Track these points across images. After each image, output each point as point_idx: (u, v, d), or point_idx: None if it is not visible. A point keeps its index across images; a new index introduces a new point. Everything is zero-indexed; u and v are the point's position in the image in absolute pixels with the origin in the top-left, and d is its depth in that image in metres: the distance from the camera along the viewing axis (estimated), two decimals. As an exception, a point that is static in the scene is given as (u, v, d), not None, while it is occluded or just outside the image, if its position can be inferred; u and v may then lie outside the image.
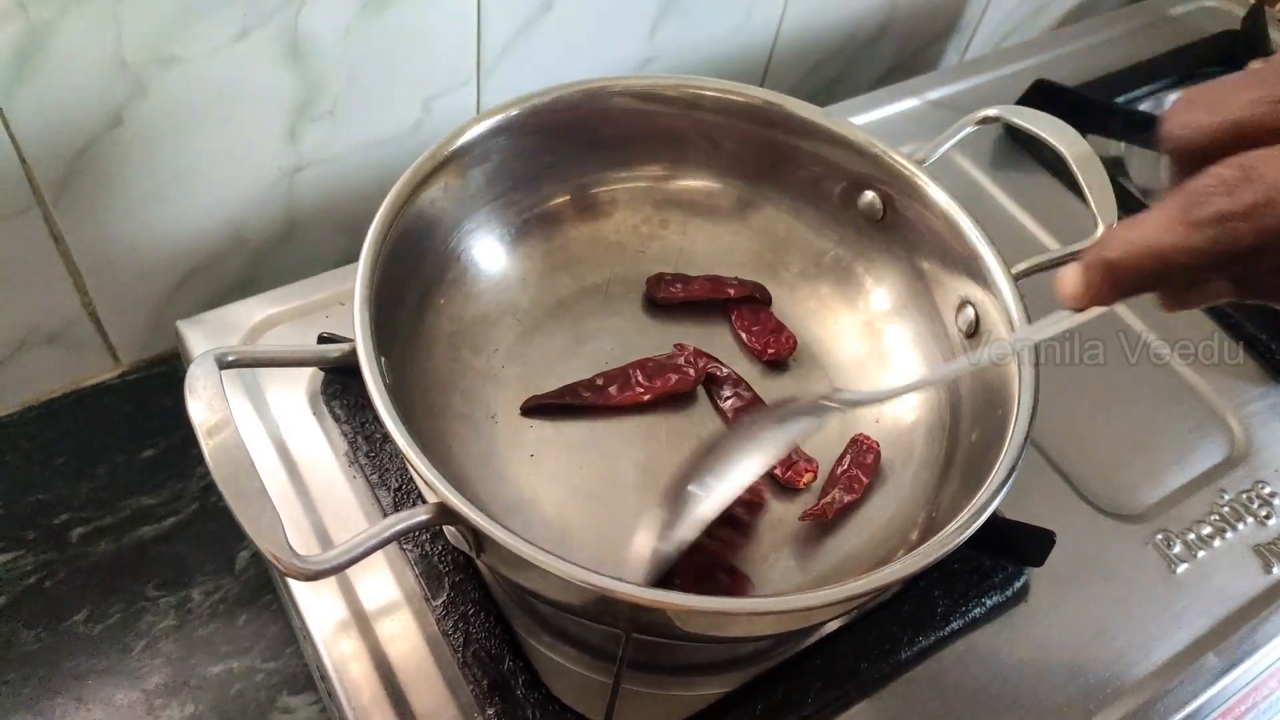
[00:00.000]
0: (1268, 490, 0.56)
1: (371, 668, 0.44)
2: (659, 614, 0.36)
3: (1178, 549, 0.53)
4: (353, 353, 0.40)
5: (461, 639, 0.44)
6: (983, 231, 0.49)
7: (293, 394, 0.52)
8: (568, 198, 0.56)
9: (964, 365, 0.48)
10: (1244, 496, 0.55)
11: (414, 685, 0.43)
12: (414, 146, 0.61)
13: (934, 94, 0.75)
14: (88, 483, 0.57)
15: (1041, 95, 0.72)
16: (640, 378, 0.50)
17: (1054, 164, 0.71)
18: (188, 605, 0.54)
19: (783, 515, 0.49)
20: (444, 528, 0.38)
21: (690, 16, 0.69)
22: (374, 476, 0.49)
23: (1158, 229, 0.29)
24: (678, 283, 0.55)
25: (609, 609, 0.37)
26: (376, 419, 0.38)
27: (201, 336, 0.53)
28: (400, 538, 0.40)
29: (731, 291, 0.55)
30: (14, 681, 0.51)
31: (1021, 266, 0.48)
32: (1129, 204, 0.69)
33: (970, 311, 0.50)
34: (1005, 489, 0.40)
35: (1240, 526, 0.54)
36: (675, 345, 0.53)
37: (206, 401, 0.36)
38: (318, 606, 0.45)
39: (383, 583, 0.46)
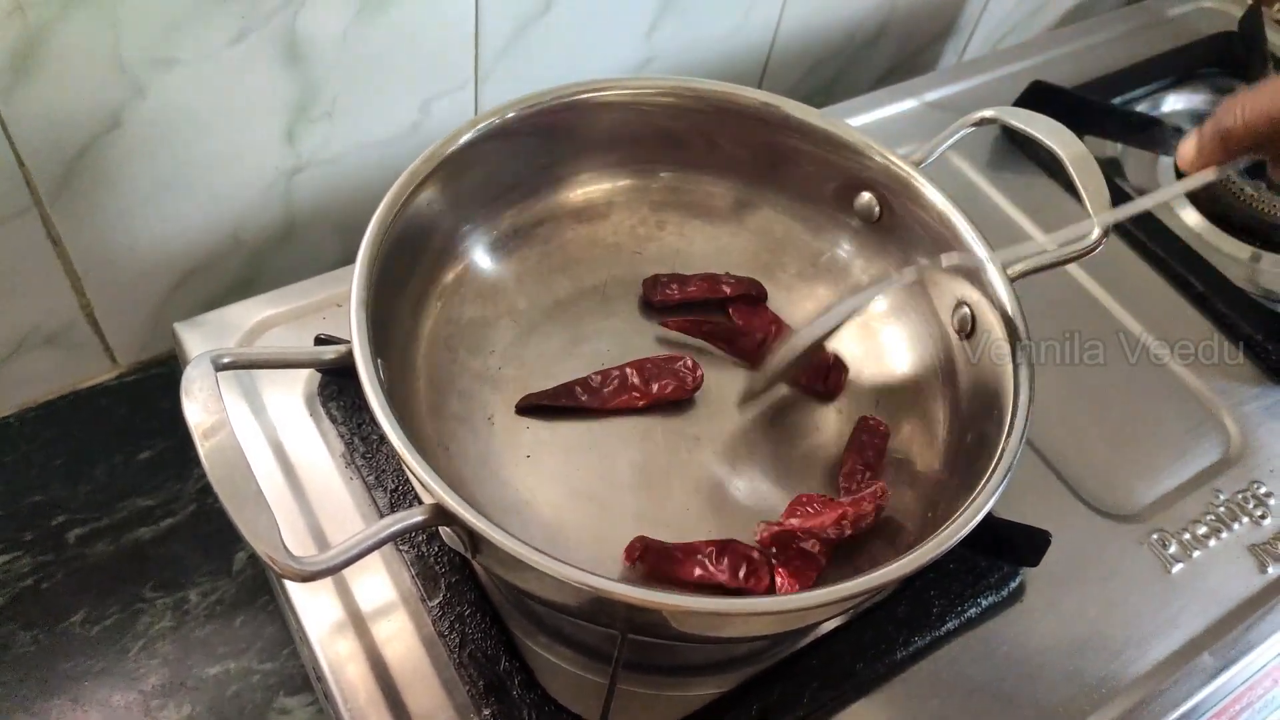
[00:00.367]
0: (1263, 490, 0.56)
1: (368, 668, 0.44)
2: (654, 614, 0.36)
3: (1173, 549, 0.53)
4: (349, 354, 0.40)
5: (457, 640, 0.44)
6: (979, 232, 0.49)
7: (290, 395, 0.52)
8: (565, 199, 0.56)
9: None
10: (1240, 496, 0.56)
11: (410, 686, 0.43)
12: (412, 148, 0.61)
13: (931, 95, 0.75)
14: (85, 484, 0.57)
15: (1038, 96, 0.72)
16: (637, 381, 0.50)
17: (1050, 165, 0.71)
18: (185, 606, 0.54)
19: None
20: (440, 529, 0.38)
21: (688, 17, 0.69)
22: (370, 478, 0.49)
23: (1271, 94, 0.36)
24: (674, 284, 0.55)
25: (604, 610, 0.37)
26: (373, 420, 0.38)
27: (199, 338, 0.53)
28: (396, 539, 0.40)
29: (727, 290, 0.55)
30: (11, 683, 0.51)
31: (1017, 267, 0.48)
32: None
33: (966, 312, 0.50)
34: (1001, 489, 0.40)
35: (1236, 526, 0.54)
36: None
37: (202, 403, 0.36)
38: (314, 608, 0.45)
39: (379, 584, 0.46)
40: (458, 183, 0.50)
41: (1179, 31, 0.85)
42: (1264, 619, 0.51)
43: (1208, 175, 0.43)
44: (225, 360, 0.39)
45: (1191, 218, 0.71)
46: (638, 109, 0.54)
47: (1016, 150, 0.72)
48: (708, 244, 0.58)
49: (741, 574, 0.44)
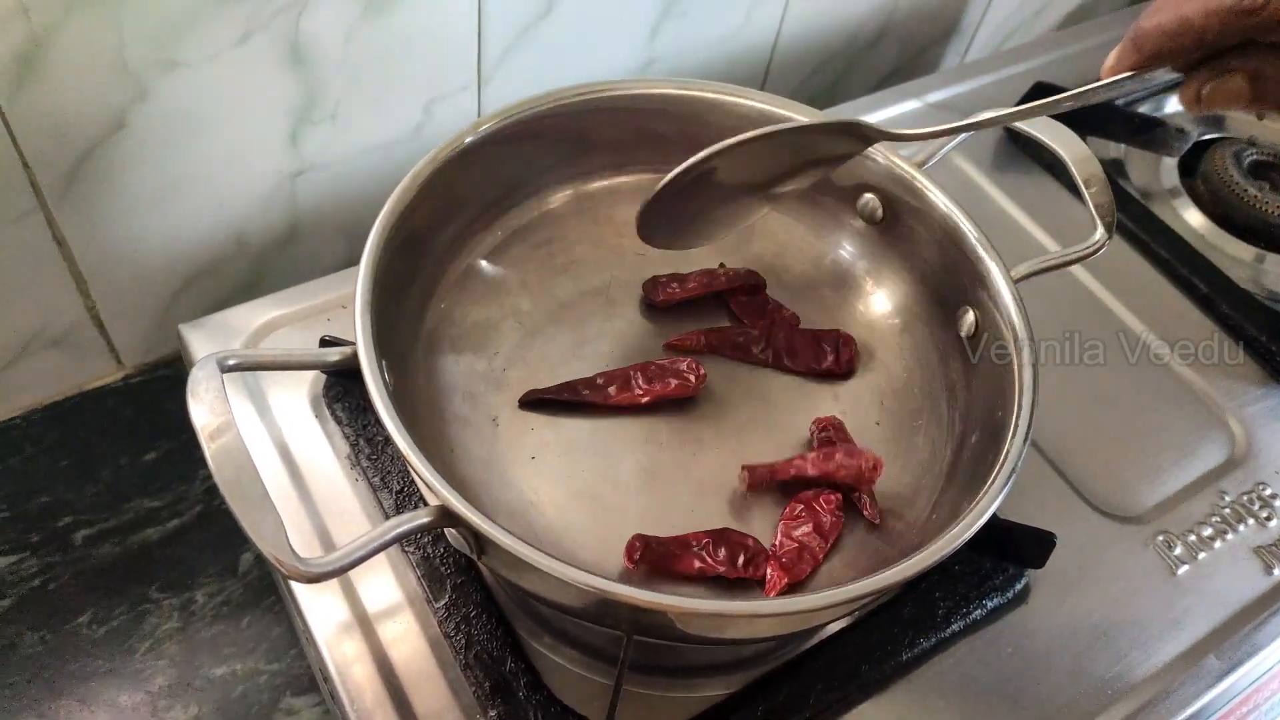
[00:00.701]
0: (1268, 492, 0.56)
1: (374, 669, 0.44)
2: (659, 616, 0.36)
3: (1179, 551, 0.53)
4: (354, 356, 0.40)
5: (463, 641, 0.44)
6: (982, 234, 0.49)
7: (295, 397, 0.52)
8: (568, 201, 0.56)
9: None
10: (1245, 498, 0.55)
11: (416, 687, 0.43)
12: (416, 150, 0.61)
13: (934, 96, 0.75)
14: (91, 485, 0.58)
15: (1041, 98, 0.72)
16: (640, 380, 0.50)
17: (1054, 167, 0.71)
18: (191, 607, 0.54)
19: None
20: (445, 530, 0.38)
21: (690, 19, 0.69)
22: (376, 479, 0.49)
23: None
24: (673, 283, 0.55)
25: (610, 611, 0.37)
26: (378, 422, 0.38)
27: (204, 340, 0.53)
28: (402, 540, 0.40)
29: (724, 280, 0.55)
30: (18, 684, 0.51)
31: (1021, 269, 0.48)
32: (1129, 206, 0.69)
33: (970, 314, 0.50)
34: (1005, 491, 0.40)
35: (1241, 528, 0.54)
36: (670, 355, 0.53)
37: (209, 405, 0.36)
38: (320, 609, 0.45)
39: (385, 585, 0.46)
40: (461, 185, 0.50)
41: (1182, 32, 0.85)
42: (1270, 621, 0.51)
43: (1120, 78, 0.40)
44: (231, 362, 0.39)
45: (1195, 219, 0.71)
46: (640, 111, 0.54)
47: (1019, 152, 0.72)
48: (710, 245, 0.57)
49: (740, 563, 0.45)
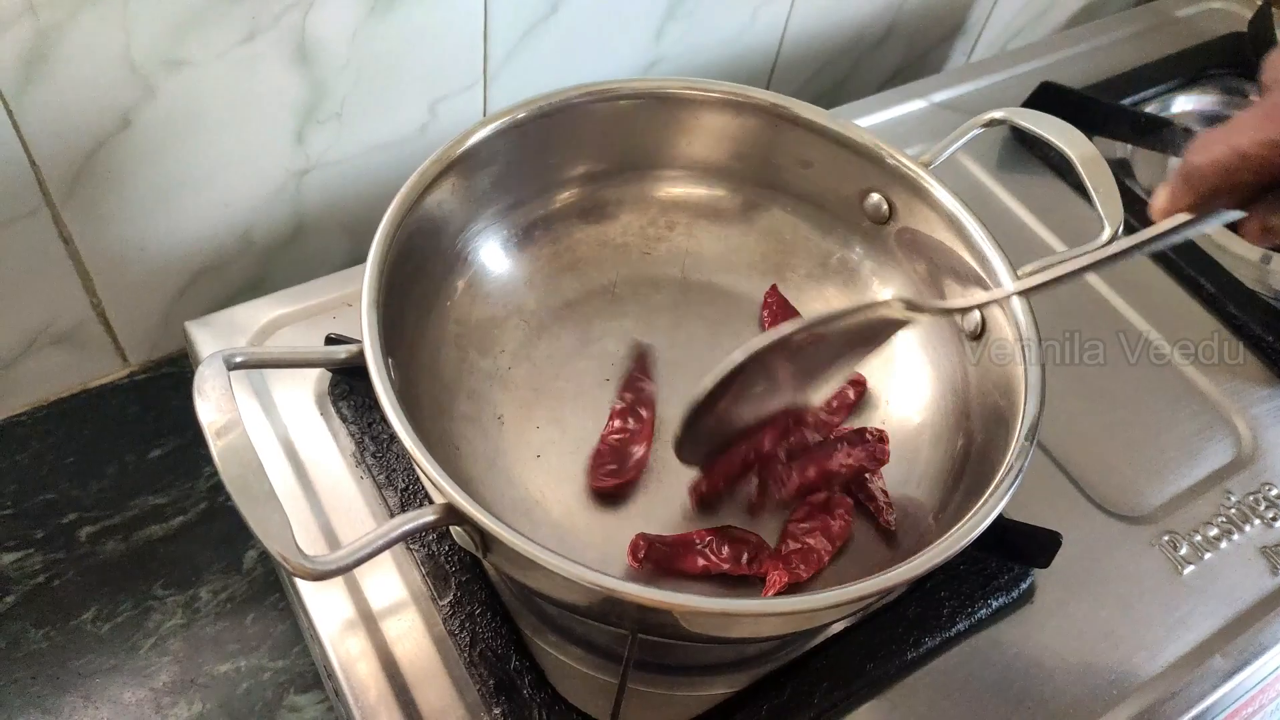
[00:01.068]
0: (1275, 492, 0.56)
1: (378, 667, 0.44)
2: (664, 615, 0.36)
3: (1184, 551, 0.53)
4: (360, 354, 0.40)
5: (468, 639, 0.44)
6: (989, 234, 0.49)
7: (300, 395, 0.52)
8: (574, 200, 0.56)
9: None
10: (1251, 498, 0.55)
11: (420, 685, 0.43)
12: (421, 149, 0.62)
13: (940, 96, 0.75)
14: (96, 482, 0.58)
15: (1047, 97, 0.72)
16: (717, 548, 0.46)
17: (1060, 166, 0.71)
18: (196, 604, 0.54)
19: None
20: (451, 528, 0.38)
21: (696, 19, 0.69)
22: (381, 477, 0.49)
23: (1237, 127, 0.32)
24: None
25: (615, 610, 0.37)
26: (384, 420, 0.38)
27: (210, 337, 0.53)
28: (407, 538, 0.40)
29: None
30: (22, 680, 0.51)
31: (1028, 269, 0.48)
32: (1136, 206, 0.69)
33: (976, 313, 0.50)
34: (1011, 491, 0.40)
35: (1247, 528, 0.54)
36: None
37: (215, 402, 0.36)
38: (325, 606, 0.45)
39: (389, 582, 0.46)
40: (467, 183, 0.50)
41: (1188, 32, 0.85)
42: (1276, 621, 0.51)
43: (1177, 224, 0.35)
44: (238, 360, 0.39)
45: (1201, 219, 0.71)
46: (646, 110, 0.54)
47: (1025, 151, 0.72)
48: (717, 245, 0.58)
49: (744, 559, 0.45)
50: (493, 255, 0.53)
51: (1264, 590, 0.52)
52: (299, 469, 0.50)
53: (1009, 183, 0.70)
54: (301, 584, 0.46)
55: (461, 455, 0.47)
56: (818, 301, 0.56)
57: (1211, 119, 0.79)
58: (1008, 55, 0.81)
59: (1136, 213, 0.68)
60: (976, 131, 0.52)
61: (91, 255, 0.55)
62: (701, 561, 0.45)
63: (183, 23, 0.49)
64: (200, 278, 0.61)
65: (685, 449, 0.44)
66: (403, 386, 0.42)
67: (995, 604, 0.49)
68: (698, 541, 0.45)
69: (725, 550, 0.45)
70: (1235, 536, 0.54)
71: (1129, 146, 0.74)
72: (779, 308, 0.55)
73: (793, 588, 0.45)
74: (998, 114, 0.52)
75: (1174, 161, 0.74)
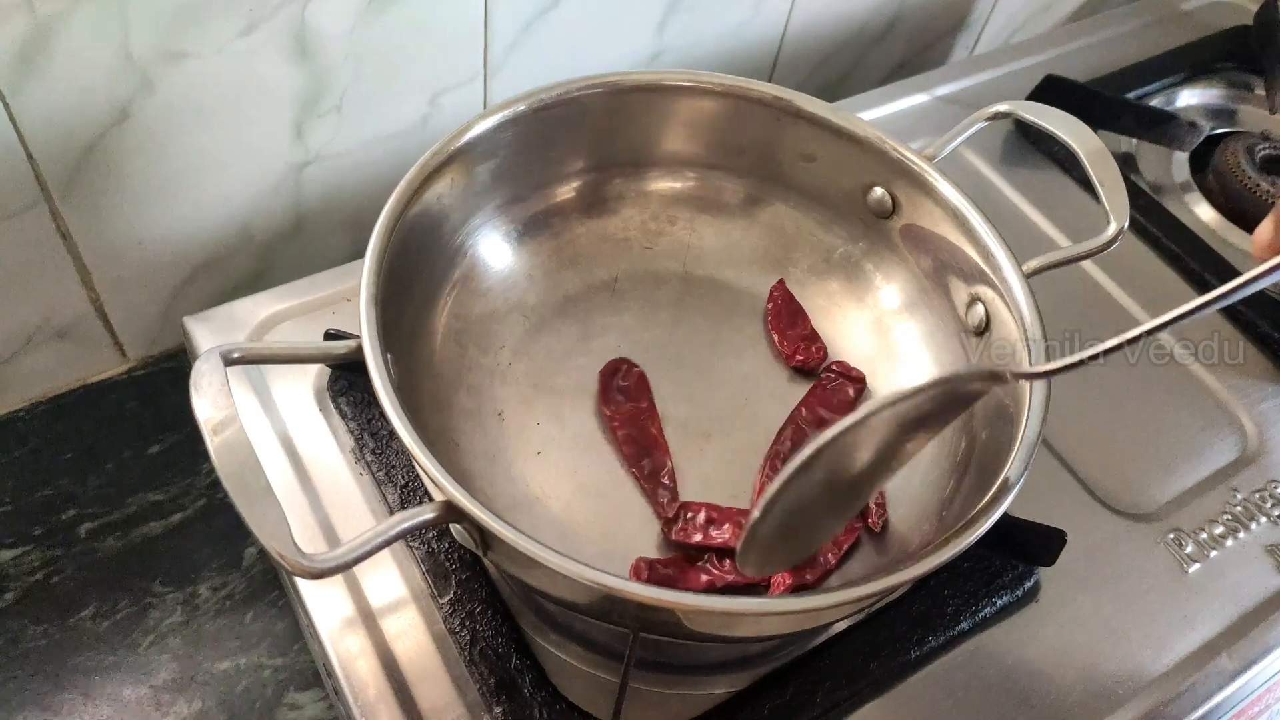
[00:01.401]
0: (1281, 490, 0.55)
1: (378, 665, 0.43)
2: (666, 613, 0.36)
3: (1190, 549, 0.52)
4: (359, 349, 0.40)
5: (468, 637, 0.44)
6: (993, 228, 0.48)
7: (299, 390, 0.52)
8: (575, 194, 0.56)
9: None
10: (1257, 496, 0.55)
11: (420, 683, 0.43)
12: (421, 142, 0.61)
13: (943, 89, 0.74)
14: (95, 479, 0.57)
15: (1052, 91, 0.72)
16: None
17: (1065, 160, 0.70)
18: (195, 601, 0.54)
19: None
20: (450, 525, 0.38)
21: (698, 11, 0.68)
22: (380, 473, 0.49)
23: None
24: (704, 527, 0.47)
25: (616, 608, 0.37)
26: (383, 416, 0.38)
27: (208, 332, 0.53)
28: (407, 535, 0.39)
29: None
30: (21, 677, 0.51)
31: (1032, 264, 0.48)
32: (1141, 200, 0.68)
33: (980, 309, 0.49)
34: (1016, 488, 0.39)
35: (1253, 526, 0.54)
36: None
37: (211, 399, 0.36)
38: (324, 604, 0.45)
39: (389, 580, 0.46)
40: (467, 177, 0.49)
41: (1193, 26, 0.84)
42: (1282, 620, 0.50)
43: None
44: (235, 355, 0.38)
45: (1207, 213, 0.71)
46: (648, 103, 0.54)
47: (1030, 145, 0.72)
48: (718, 239, 0.57)
49: None
50: (493, 250, 0.53)
51: (1270, 588, 0.51)
52: (297, 465, 0.49)
53: (1013, 177, 0.70)
54: (300, 582, 0.45)
55: (461, 451, 0.47)
56: (820, 297, 0.56)
57: (1217, 113, 0.79)
58: (1012, 49, 0.80)
59: (1141, 206, 0.68)
60: (980, 125, 0.52)
61: (90, 250, 0.55)
62: (705, 577, 0.44)
63: (181, 15, 0.48)
64: (199, 272, 0.60)
65: (749, 561, 0.37)
66: (402, 382, 0.42)
67: (1000, 602, 0.48)
68: (699, 557, 0.45)
69: (727, 563, 0.45)
70: (1241, 534, 0.53)
71: (1134, 140, 0.74)
72: (784, 303, 0.55)
73: (797, 588, 0.44)
74: (1002, 107, 0.51)
75: (1179, 156, 0.73)
